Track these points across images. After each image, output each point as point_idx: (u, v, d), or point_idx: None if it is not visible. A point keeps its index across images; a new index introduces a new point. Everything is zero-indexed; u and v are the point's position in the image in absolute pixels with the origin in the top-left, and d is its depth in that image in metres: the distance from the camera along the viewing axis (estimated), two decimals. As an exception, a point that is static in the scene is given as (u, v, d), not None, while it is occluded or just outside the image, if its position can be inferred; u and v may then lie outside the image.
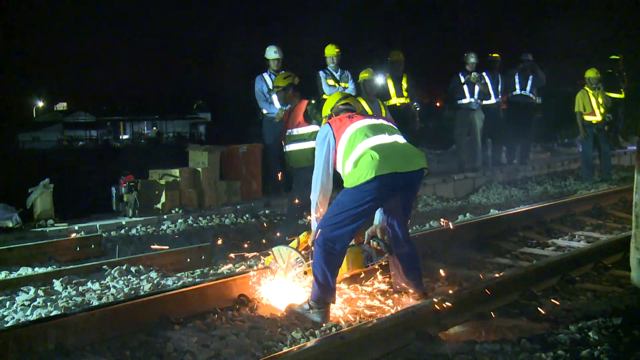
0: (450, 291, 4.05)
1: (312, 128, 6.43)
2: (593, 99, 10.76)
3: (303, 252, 4.17)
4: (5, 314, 4.10)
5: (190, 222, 7.32)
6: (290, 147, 6.49)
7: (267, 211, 8.01)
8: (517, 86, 11.81)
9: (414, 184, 3.92)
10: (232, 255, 5.28)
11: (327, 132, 3.96)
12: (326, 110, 4.31)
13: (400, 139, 3.95)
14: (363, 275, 4.36)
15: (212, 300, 3.98)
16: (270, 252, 4.32)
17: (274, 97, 8.69)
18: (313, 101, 6.51)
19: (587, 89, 10.82)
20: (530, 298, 4.05)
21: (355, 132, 3.86)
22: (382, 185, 3.69)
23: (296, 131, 6.44)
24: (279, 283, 4.19)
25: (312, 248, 4.02)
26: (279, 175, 7.79)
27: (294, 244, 4.28)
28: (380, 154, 3.71)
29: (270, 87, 8.67)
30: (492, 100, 11.48)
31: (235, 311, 3.93)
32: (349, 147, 3.84)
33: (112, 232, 6.81)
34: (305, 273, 4.08)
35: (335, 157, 3.93)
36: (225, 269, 5.22)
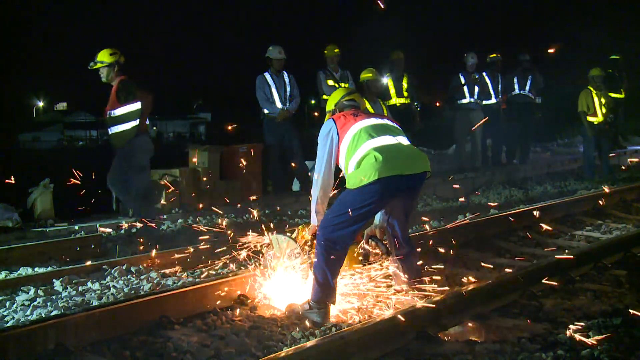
0: (450, 291, 4.06)
1: (130, 108, 6.39)
2: (596, 99, 10.72)
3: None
4: (5, 314, 4.10)
5: (190, 222, 7.32)
6: (111, 130, 6.45)
7: (267, 211, 8.01)
8: (516, 86, 11.82)
9: (417, 186, 3.91)
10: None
11: (331, 128, 3.95)
12: (330, 105, 4.29)
13: (404, 140, 3.94)
14: (362, 274, 4.36)
15: (212, 300, 3.98)
16: (268, 239, 4.33)
17: (276, 97, 8.70)
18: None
19: (591, 88, 10.78)
20: (530, 298, 4.05)
21: (360, 131, 3.85)
22: (385, 187, 3.68)
23: (113, 113, 6.40)
24: (279, 282, 4.19)
25: (309, 242, 4.03)
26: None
27: (293, 235, 4.29)
28: (383, 156, 3.70)
29: (272, 87, 8.68)
30: (492, 100, 11.49)
31: (235, 311, 3.93)
32: (352, 146, 3.83)
33: (112, 232, 6.81)
34: (302, 265, 4.08)
35: (338, 154, 3.93)
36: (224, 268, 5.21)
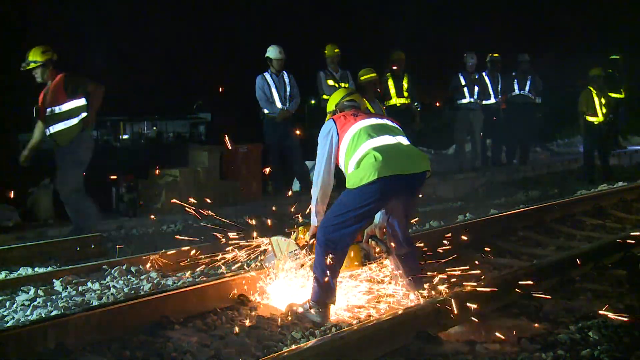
0: (450, 291, 4.05)
1: (76, 103, 6.17)
2: (597, 99, 10.72)
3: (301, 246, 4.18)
4: (5, 314, 4.10)
5: (190, 222, 7.32)
6: (54, 128, 6.18)
7: (267, 211, 8.01)
8: (516, 86, 11.83)
9: (417, 186, 3.92)
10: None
11: (331, 128, 3.95)
12: (331, 106, 4.30)
13: (404, 140, 3.94)
14: (362, 274, 4.36)
15: (212, 300, 3.98)
16: (268, 241, 4.34)
17: (275, 97, 8.70)
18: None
19: (591, 88, 10.77)
20: (530, 298, 4.05)
21: (359, 131, 3.85)
22: (384, 187, 3.68)
23: (58, 109, 6.15)
24: (279, 282, 4.20)
25: (309, 242, 4.03)
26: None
27: (293, 236, 4.29)
28: (383, 155, 3.70)
29: (272, 87, 8.68)
30: (492, 100, 11.50)
31: (235, 311, 3.93)
32: (352, 146, 3.83)
33: (112, 232, 6.81)
34: (302, 266, 4.08)
35: (338, 154, 3.93)
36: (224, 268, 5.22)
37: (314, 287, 3.78)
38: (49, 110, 6.19)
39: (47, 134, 6.31)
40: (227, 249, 4.69)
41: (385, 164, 3.67)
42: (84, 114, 6.26)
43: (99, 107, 6.42)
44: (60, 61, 6.37)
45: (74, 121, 6.20)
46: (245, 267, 4.78)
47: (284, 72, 8.80)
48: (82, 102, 6.25)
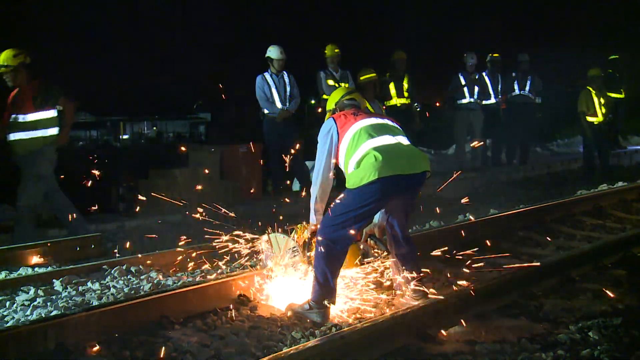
0: (450, 291, 4.06)
1: (43, 115, 5.92)
2: (596, 99, 10.73)
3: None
4: (5, 314, 4.10)
5: (190, 222, 7.31)
6: (15, 136, 5.94)
7: (266, 211, 8.00)
8: (516, 87, 11.84)
9: (417, 186, 3.92)
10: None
11: (331, 127, 3.95)
12: (331, 104, 4.30)
13: (404, 140, 3.94)
14: (362, 273, 4.36)
15: (212, 300, 3.98)
16: (267, 237, 4.34)
17: (275, 97, 8.71)
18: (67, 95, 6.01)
19: (590, 88, 10.78)
20: (530, 298, 4.05)
21: (359, 130, 3.85)
22: (385, 187, 3.69)
23: (22, 118, 5.91)
24: (279, 282, 4.20)
25: (307, 240, 4.03)
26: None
27: (293, 234, 4.29)
28: (383, 155, 3.70)
29: (272, 87, 8.68)
30: (492, 100, 11.50)
31: (235, 311, 3.93)
32: (352, 146, 3.83)
33: (112, 232, 6.80)
34: (301, 264, 4.09)
35: (338, 153, 3.93)
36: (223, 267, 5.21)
37: (314, 287, 3.78)
38: (13, 116, 5.98)
39: (7, 140, 6.09)
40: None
41: (386, 164, 3.67)
42: (52, 130, 6.04)
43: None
44: (62, 62, 6.34)
45: (37, 133, 5.98)
46: (245, 266, 4.78)
47: (284, 72, 8.81)
48: (49, 114, 6.01)
